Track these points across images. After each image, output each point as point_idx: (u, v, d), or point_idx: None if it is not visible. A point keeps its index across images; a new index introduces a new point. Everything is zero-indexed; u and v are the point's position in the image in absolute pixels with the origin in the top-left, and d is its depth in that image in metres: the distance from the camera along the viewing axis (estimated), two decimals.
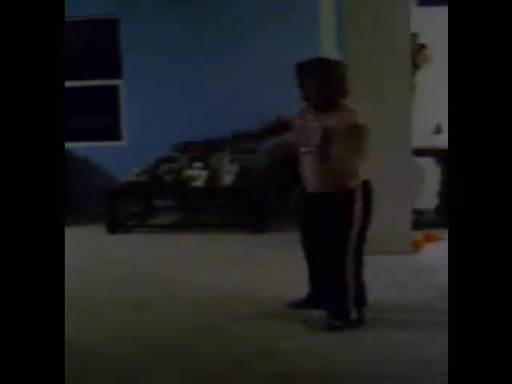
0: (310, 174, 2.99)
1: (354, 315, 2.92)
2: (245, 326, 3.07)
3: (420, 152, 4.80)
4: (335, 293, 2.95)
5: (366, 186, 2.94)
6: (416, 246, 4.44)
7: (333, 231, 2.93)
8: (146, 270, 4.23)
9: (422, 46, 5.66)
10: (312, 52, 6.02)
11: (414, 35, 5.54)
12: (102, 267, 4.28)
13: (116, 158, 6.61)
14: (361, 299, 2.96)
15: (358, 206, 2.88)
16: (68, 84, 5.90)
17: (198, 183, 5.44)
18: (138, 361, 2.67)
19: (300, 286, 3.23)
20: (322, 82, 2.91)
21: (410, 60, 4.82)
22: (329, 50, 5.68)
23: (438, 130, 5.50)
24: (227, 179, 5.41)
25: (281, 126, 3.17)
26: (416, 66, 5.49)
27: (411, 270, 3.99)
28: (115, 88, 6.90)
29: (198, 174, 5.53)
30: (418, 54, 5.57)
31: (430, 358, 2.55)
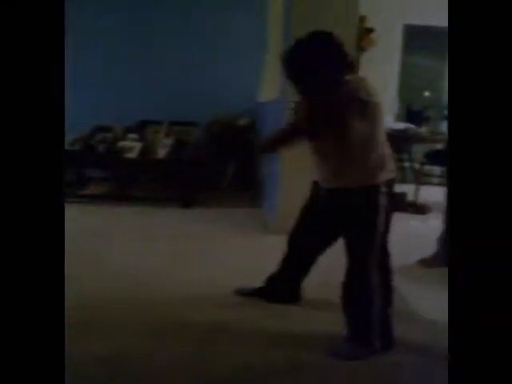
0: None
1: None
2: (167, 300, 2.97)
3: None
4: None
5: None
6: None
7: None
8: (72, 241, 4.04)
9: (369, 30, 5.64)
10: (257, 35, 6.02)
11: (362, 18, 5.52)
12: None
13: None
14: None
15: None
16: None
17: (132, 155, 5.26)
18: None
19: (223, 263, 3.17)
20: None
21: (354, 44, 4.77)
22: (275, 32, 5.58)
23: None
24: (161, 152, 5.24)
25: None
26: (361, 49, 5.47)
27: (332, 250, 3.95)
28: None
29: (132, 146, 5.34)
30: (364, 37, 5.55)
31: None
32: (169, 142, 5.36)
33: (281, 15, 5.33)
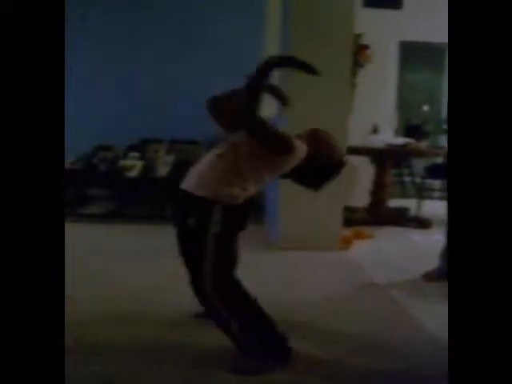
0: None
1: None
2: (163, 319, 2.97)
3: (355, 150, 4.81)
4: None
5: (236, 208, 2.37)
6: (345, 243, 4.46)
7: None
8: (71, 259, 4.05)
9: (365, 47, 5.70)
10: (256, 51, 6.07)
11: (358, 35, 5.58)
12: None
13: None
14: None
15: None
16: None
17: (133, 173, 5.29)
18: None
19: None
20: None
21: (350, 60, 4.81)
22: (272, 48, 5.63)
23: (375, 130, 5.54)
24: (163, 170, 5.27)
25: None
26: (358, 66, 5.52)
27: (334, 265, 4.00)
28: None
29: (133, 164, 5.37)
30: (360, 53, 5.60)
31: None
32: (170, 159, 5.39)
33: (277, 32, 5.39)
